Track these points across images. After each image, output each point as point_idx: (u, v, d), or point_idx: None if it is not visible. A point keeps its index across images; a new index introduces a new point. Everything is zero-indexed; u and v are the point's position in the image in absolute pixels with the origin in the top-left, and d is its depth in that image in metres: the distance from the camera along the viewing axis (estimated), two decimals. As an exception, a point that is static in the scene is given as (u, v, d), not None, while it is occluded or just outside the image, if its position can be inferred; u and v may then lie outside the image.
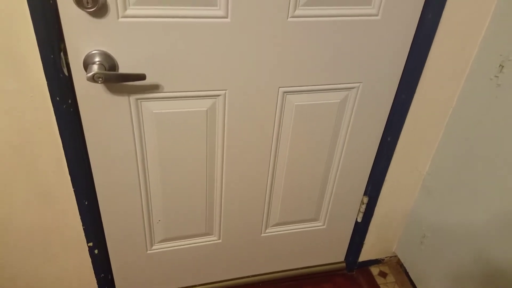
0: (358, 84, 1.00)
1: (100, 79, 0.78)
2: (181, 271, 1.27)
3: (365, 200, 1.28)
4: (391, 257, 1.50)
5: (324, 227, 1.33)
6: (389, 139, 1.13)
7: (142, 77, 0.82)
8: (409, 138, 1.14)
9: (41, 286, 1.13)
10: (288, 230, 1.30)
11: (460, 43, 0.98)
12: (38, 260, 1.07)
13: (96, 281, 1.16)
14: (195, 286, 1.33)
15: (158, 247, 1.18)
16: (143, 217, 1.09)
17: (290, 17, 0.85)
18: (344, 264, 1.48)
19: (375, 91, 1.02)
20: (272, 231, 1.28)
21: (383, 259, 1.50)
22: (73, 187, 0.96)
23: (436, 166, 1.20)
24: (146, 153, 0.98)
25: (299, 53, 0.91)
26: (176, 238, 1.18)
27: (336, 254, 1.44)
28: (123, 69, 0.83)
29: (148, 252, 1.18)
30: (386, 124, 1.10)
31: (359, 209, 1.31)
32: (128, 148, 0.95)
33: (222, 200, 1.14)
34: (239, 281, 1.37)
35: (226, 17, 0.82)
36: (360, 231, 1.37)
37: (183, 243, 1.20)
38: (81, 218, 1.01)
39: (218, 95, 0.93)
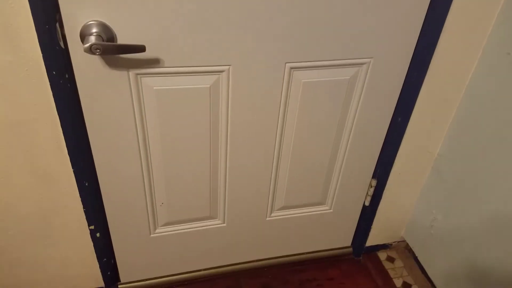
0: (369, 59, 0.95)
1: (98, 50, 0.74)
2: (185, 256, 1.24)
3: (374, 183, 1.24)
4: (399, 241, 1.47)
5: (330, 211, 1.29)
6: (399, 119, 1.08)
7: (141, 48, 0.78)
8: (421, 118, 1.09)
9: (43, 271, 1.11)
10: (293, 214, 1.26)
11: (476, 16, 0.93)
12: (39, 244, 1.05)
13: (98, 265, 1.14)
14: (200, 270, 1.30)
15: (161, 231, 1.15)
16: (146, 199, 1.05)
17: (298, -14, 0.80)
18: (351, 249, 1.44)
19: (386, 67, 0.97)
20: (277, 215, 1.25)
21: (390, 244, 1.47)
22: (72, 167, 0.92)
23: (448, 147, 1.16)
24: (147, 132, 0.94)
25: (307, 25, 0.86)
26: (179, 221, 1.15)
27: (343, 238, 1.41)
28: (122, 41, 0.79)
29: (152, 235, 1.15)
30: (397, 103, 1.06)
31: (367, 193, 1.28)
32: (128, 127, 0.91)
33: (227, 182, 1.10)
34: (244, 265, 1.34)
35: (231, -15, 0.77)
36: (367, 215, 1.33)
37: (187, 226, 1.17)
38: (81, 200, 0.98)
39: (222, 71, 0.89)
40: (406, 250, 1.48)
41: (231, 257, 1.31)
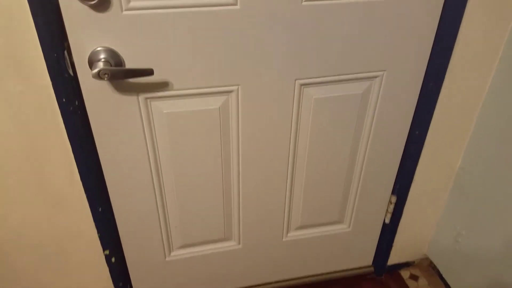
0: (382, 72, 0.92)
1: (106, 75, 0.74)
2: (201, 279, 1.21)
3: (393, 199, 1.20)
4: (422, 259, 1.41)
5: (349, 229, 1.25)
6: (417, 132, 1.04)
7: (149, 72, 0.77)
8: (439, 130, 1.05)
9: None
10: (311, 234, 1.23)
11: (492, 21, 0.90)
12: (54, 273, 1.04)
13: (113, 290, 1.12)
14: None
15: (176, 254, 1.13)
16: (160, 223, 1.04)
17: (305, 1, 0.79)
18: (372, 268, 1.39)
19: (400, 79, 0.94)
20: (294, 235, 1.21)
21: (413, 262, 1.41)
22: (85, 193, 0.92)
23: (470, 159, 1.11)
24: (159, 156, 0.93)
25: (315, 41, 0.84)
26: (194, 244, 1.13)
27: (363, 257, 1.36)
28: (129, 65, 0.79)
29: (167, 259, 1.13)
30: (413, 116, 1.02)
31: (387, 210, 1.23)
32: (140, 151, 0.90)
33: (240, 203, 1.08)
34: (260, 287, 1.31)
35: (236, 4, 0.76)
36: (388, 232, 1.28)
37: (202, 249, 1.15)
38: (95, 225, 0.97)
39: (231, 91, 0.88)
40: (430, 268, 1.42)
41: (248, 279, 1.28)
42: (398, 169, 1.14)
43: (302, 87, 0.91)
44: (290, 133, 0.97)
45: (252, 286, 1.30)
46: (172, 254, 1.13)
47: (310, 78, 0.90)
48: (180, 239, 1.10)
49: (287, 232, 1.20)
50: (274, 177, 1.05)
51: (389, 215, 1.24)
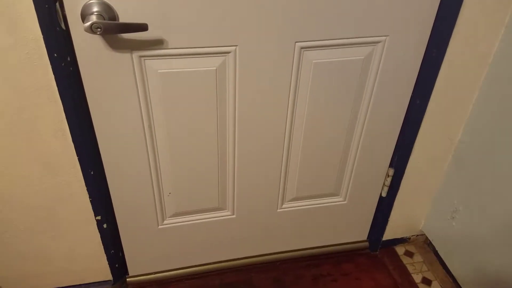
0: (385, 37, 0.90)
1: (99, 29, 0.71)
2: (194, 248, 1.21)
3: (391, 172, 1.18)
4: (418, 235, 1.41)
5: (345, 202, 1.24)
6: (418, 101, 1.02)
7: (144, 27, 0.74)
8: (440, 100, 1.03)
9: (49, 264, 1.09)
10: (306, 205, 1.22)
11: (500, -11, 0.87)
12: (45, 236, 1.03)
13: (106, 257, 1.11)
14: (209, 264, 1.26)
15: (169, 222, 1.12)
16: (153, 189, 1.02)
17: (307, -44, 0.76)
18: (367, 243, 1.39)
19: (403, 45, 0.92)
20: (289, 206, 1.20)
21: (409, 238, 1.41)
22: (76, 154, 0.90)
23: (470, 133, 1.09)
24: (153, 117, 0.91)
25: (317, 1, 0.81)
26: (188, 212, 1.12)
27: (358, 232, 1.36)
28: (123, 20, 0.76)
29: (160, 227, 1.12)
30: (415, 84, 1.00)
31: (384, 183, 1.22)
32: (133, 111, 0.88)
33: (235, 170, 1.06)
34: (255, 259, 1.30)
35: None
36: (384, 207, 1.27)
37: (195, 218, 1.14)
38: (87, 189, 0.96)
39: (228, 52, 0.85)
40: (425, 244, 1.41)
41: (242, 250, 1.27)
42: (397, 140, 1.12)
43: (302, 50, 0.88)
44: (288, 98, 0.95)
45: (245, 257, 1.29)
46: (165, 222, 1.11)
47: (311, 41, 0.87)
48: (173, 207, 1.09)
49: (282, 203, 1.19)
50: (271, 143, 1.03)
51: (386, 189, 1.23)
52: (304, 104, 0.97)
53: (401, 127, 1.09)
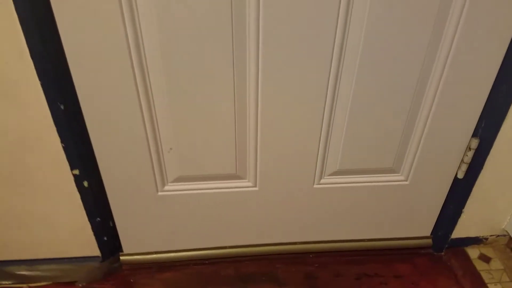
0: None
1: None
2: (203, 226, 0.95)
3: (474, 143, 0.86)
4: (498, 236, 1.06)
5: (406, 183, 0.93)
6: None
7: None
8: None
9: (27, 231, 0.88)
10: (352, 182, 0.92)
11: None
12: (13, 193, 0.81)
13: (90, 226, 0.88)
14: (224, 248, 1.00)
15: (172, 189, 0.87)
16: (147, 139, 0.77)
17: None
18: (430, 240, 1.06)
19: None
20: (329, 182, 0.91)
21: (486, 238, 1.07)
22: (39, 79, 0.66)
23: None
24: (143, 44, 0.65)
25: None
26: (195, 178, 0.86)
27: (420, 224, 1.04)
28: None
29: (160, 193, 0.87)
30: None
31: (462, 159, 0.89)
32: (115, 24, 0.63)
33: (258, 128, 0.79)
34: (282, 247, 1.02)
35: None
36: (459, 192, 0.95)
37: (205, 186, 0.88)
38: (57, 130, 0.72)
39: None
40: (508, 249, 1.07)
41: (266, 234, 1.00)
42: (488, 98, 0.79)
43: None
44: (334, 35, 0.66)
45: (269, 244, 1.02)
46: (166, 187, 0.86)
47: None
48: (176, 168, 0.83)
49: (321, 177, 0.90)
50: (308, 95, 0.74)
51: (463, 167, 0.90)
52: (357, 43, 0.68)
53: (494, 83, 0.76)
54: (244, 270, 0.99)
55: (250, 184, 0.89)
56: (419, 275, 1.00)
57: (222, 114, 0.76)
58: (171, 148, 0.80)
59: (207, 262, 1.00)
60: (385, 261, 1.04)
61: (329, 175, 0.90)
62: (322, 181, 0.91)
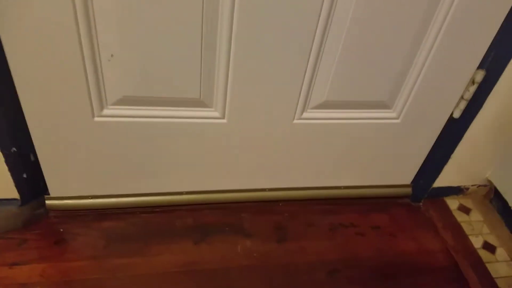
0: None
1: None
2: (154, 165, 0.77)
3: (479, 76, 0.74)
4: (479, 186, 0.99)
5: (397, 121, 0.80)
6: None
7: None
8: None
9: None
10: (338, 118, 0.77)
11: None
12: None
13: (3, 159, 0.67)
14: (180, 193, 0.83)
15: (113, 113, 0.67)
16: (80, 41, 0.56)
17: None
18: (409, 189, 0.97)
19: None
20: (311, 117, 0.76)
21: (467, 188, 0.99)
22: None
23: None
24: None
25: None
26: (144, 101, 0.67)
27: (402, 172, 0.93)
28: None
29: (96, 119, 0.67)
30: None
31: (462, 95, 0.77)
32: None
33: (233, 37, 0.60)
34: (248, 194, 0.87)
35: None
36: (451, 135, 0.84)
37: (158, 113, 0.68)
38: None
39: None
40: (486, 200, 1.00)
41: (230, 179, 0.84)
42: (500, 27, 0.67)
43: None
44: None
45: (234, 190, 0.86)
46: (106, 111, 0.66)
47: None
48: (118, 86, 0.63)
49: (303, 110, 0.74)
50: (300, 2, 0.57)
51: (462, 105, 0.78)
52: None
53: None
54: (204, 220, 0.83)
55: (216, 114, 0.71)
56: (397, 226, 0.91)
57: (185, 9, 0.56)
58: (112, 55, 0.59)
59: (158, 210, 0.83)
60: (361, 211, 0.93)
61: (313, 108, 0.74)
62: (304, 115, 0.75)
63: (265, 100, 0.70)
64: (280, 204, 0.90)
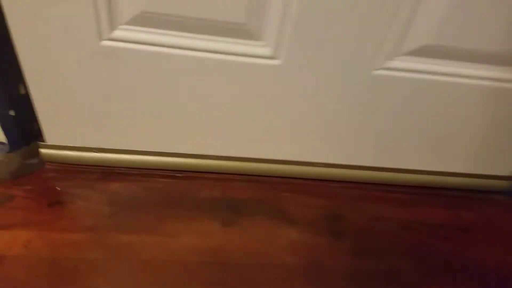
0: None
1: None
2: (178, 114, 0.58)
3: None
4: None
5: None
6: None
7: None
8: None
9: None
10: (440, 72, 0.54)
11: None
12: None
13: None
14: (204, 157, 0.64)
15: (125, 37, 0.48)
16: None
17: None
18: (509, 182, 0.72)
19: None
20: (401, 67, 0.53)
21: None
22: None
23: None
24: None
25: None
26: (168, 22, 0.47)
27: (505, 159, 0.69)
28: None
29: (104, 43, 0.48)
30: None
31: None
32: None
33: None
34: (294, 168, 0.67)
35: None
36: None
37: (183, 41, 0.49)
38: None
39: None
40: None
41: (276, 146, 0.63)
42: None
43: None
44: None
45: (275, 161, 0.66)
46: (117, 33, 0.47)
47: None
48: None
49: (390, 57, 0.52)
50: None
51: None
52: None
53: None
54: (235, 195, 0.64)
55: (267, 51, 0.50)
56: (495, 231, 0.68)
57: None
58: None
59: (179, 175, 0.65)
60: (445, 206, 0.70)
61: (405, 55, 0.52)
62: (391, 64, 0.52)
63: (338, 45, 0.48)
64: (337, 186, 0.69)
